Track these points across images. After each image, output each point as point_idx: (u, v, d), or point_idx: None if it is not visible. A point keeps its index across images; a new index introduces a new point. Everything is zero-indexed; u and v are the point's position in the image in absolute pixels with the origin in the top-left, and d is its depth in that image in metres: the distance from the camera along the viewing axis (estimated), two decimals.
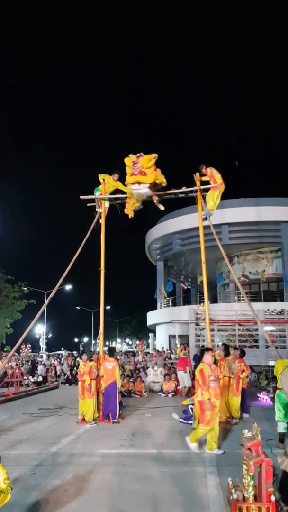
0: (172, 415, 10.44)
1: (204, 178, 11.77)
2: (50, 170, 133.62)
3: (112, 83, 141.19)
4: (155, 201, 11.70)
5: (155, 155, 10.48)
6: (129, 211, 11.67)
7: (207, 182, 11.73)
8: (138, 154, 10.54)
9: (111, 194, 12.09)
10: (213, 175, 11.63)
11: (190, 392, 13.13)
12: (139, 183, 10.41)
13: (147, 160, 10.32)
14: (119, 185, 11.88)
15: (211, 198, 11.70)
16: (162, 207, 12.11)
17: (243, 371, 10.17)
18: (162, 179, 11.20)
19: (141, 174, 10.33)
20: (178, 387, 14.74)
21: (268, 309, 19.23)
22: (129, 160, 10.57)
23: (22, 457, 7.00)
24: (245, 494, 3.37)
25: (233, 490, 3.38)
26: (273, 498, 3.31)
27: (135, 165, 10.36)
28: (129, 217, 11.72)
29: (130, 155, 10.72)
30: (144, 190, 10.58)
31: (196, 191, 11.85)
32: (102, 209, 12.00)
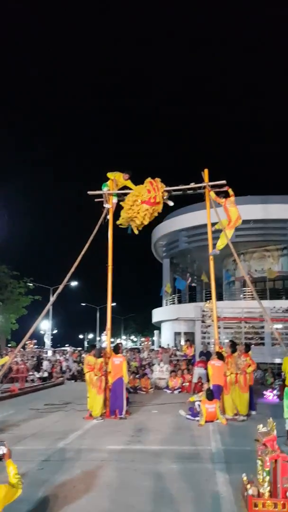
0: (178, 411, 10.41)
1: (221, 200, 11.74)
2: (58, 164, 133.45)
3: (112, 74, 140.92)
4: (163, 197, 11.67)
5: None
6: (134, 228, 11.85)
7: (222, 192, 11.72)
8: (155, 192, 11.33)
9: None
10: (228, 211, 11.60)
11: (197, 388, 13.10)
12: None
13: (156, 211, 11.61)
14: (129, 184, 11.87)
15: (223, 238, 11.71)
16: (171, 203, 12.07)
17: (250, 365, 10.11)
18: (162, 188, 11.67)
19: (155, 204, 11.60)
20: (184, 384, 14.73)
21: (274, 307, 19.12)
22: (144, 189, 11.49)
23: (29, 453, 6.97)
24: (261, 490, 3.32)
25: (248, 486, 3.33)
26: None
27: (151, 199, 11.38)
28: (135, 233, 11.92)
29: (146, 182, 11.55)
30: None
31: (204, 187, 11.80)
32: (110, 204, 11.97)
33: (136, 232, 12.02)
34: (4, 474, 3.72)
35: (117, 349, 10.72)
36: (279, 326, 17.46)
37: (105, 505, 4.77)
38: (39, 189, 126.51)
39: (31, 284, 31.75)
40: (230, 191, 11.59)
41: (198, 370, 13.86)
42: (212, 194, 11.66)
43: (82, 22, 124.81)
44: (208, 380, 10.55)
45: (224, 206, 11.57)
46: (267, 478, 3.33)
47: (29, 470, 5.98)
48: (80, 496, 4.99)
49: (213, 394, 9.52)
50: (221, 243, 11.68)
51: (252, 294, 13.74)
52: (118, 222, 11.95)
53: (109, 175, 12.00)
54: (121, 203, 11.92)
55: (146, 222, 11.69)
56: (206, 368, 12.84)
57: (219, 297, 31.38)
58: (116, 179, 11.89)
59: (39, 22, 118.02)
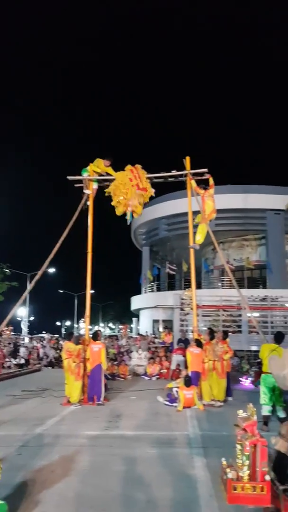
0: (156, 397, 10.47)
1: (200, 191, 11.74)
2: (38, 148, 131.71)
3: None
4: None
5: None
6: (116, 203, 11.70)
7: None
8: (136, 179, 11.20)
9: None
10: (204, 205, 11.59)
11: (174, 375, 13.21)
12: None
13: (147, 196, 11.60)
14: (110, 170, 11.76)
15: (201, 231, 11.71)
16: (152, 190, 11.99)
17: (227, 352, 10.22)
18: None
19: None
20: (162, 371, 14.83)
21: (251, 296, 19.37)
22: (126, 177, 11.40)
23: (6, 438, 6.94)
24: (240, 474, 3.37)
25: (228, 470, 3.37)
26: (267, 477, 3.32)
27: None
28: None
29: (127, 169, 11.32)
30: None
31: (186, 175, 11.78)
32: (90, 190, 11.85)
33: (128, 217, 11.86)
34: None
35: (96, 336, 10.70)
36: (256, 314, 17.68)
37: (83, 489, 4.77)
38: (18, 174, 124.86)
39: (7, 270, 31.33)
40: (211, 180, 11.60)
41: (176, 357, 13.96)
42: (193, 183, 11.65)
43: None
44: (186, 367, 10.64)
45: (202, 198, 11.58)
46: (247, 462, 3.38)
47: (7, 455, 5.94)
48: (58, 480, 4.99)
49: (191, 381, 9.62)
50: (200, 237, 11.72)
51: (230, 283, 13.86)
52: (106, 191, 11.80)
53: (90, 166, 11.86)
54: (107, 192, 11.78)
55: (138, 210, 11.57)
56: (184, 355, 12.95)
57: (198, 286, 31.58)
58: (97, 164, 11.77)
59: None
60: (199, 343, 10.44)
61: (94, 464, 5.61)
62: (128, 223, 12.08)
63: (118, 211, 11.57)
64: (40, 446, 6.50)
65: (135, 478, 5.12)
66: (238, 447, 3.48)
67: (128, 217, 11.67)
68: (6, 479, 4.85)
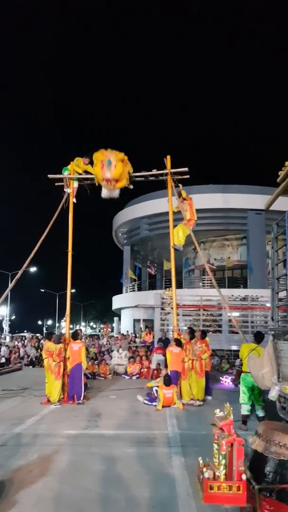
0: (136, 396, 10.48)
1: (178, 206, 11.82)
2: (19, 147, 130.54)
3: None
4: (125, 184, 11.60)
5: (124, 156, 11.01)
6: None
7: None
8: (108, 154, 10.84)
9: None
10: (192, 207, 11.66)
11: (155, 374, 13.24)
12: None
13: (119, 170, 10.88)
14: (89, 168, 11.71)
15: (181, 231, 11.79)
16: (131, 186, 11.94)
17: (205, 352, 10.27)
18: (129, 169, 11.38)
19: (114, 182, 11.04)
20: (142, 370, 14.85)
21: (232, 295, 19.50)
22: (98, 160, 10.96)
23: None
24: (217, 473, 3.40)
25: (204, 469, 3.40)
26: (244, 477, 3.35)
27: (107, 172, 10.83)
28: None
29: (101, 151, 10.84)
30: (115, 193, 11.32)
31: (166, 174, 11.81)
32: (71, 189, 11.81)
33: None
34: None
35: (76, 335, 10.67)
36: (236, 314, 17.83)
37: (61, 488, 4.76)
38: None
39: None
40: (183, 193, 11.75)
41: (156, 357, 14.00)
42: (183, 192, 11.77)
43: None
44: (166, 366, 10.67)
45: (191, 205, 11.69)
46: (223, 461, 3.41)
47: None
48: (36, 480, 4.97)
49: (170, 380, 9.65)
50: (182, 236, 11.81)
51: (211, 282, 13.97)
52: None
53: (71, 165, 11.81)
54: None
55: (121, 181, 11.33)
56: (164, 355, 12.98)
57: (179, 285, 31.72)
58: (77, 163, 11.74)
59: None
60: (178, 343, 10.48)
61: (73, 464, 5.60)
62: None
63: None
64: (18, 445, 6.46)
65: (114, 478, 5.13)
66: (215, 446, 3.51)
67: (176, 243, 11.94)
68: None
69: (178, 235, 11.87)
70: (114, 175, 10.84)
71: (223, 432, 3.53)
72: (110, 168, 10.73)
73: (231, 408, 3.71)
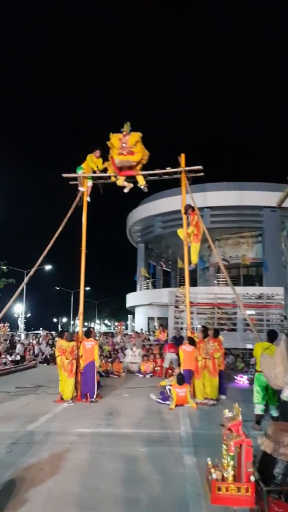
0: (149, 395, 10.46)
1: (181, 230, 11.71)
2: (31, 147, 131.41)
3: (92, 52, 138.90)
4: (139, 185, 11.57)
5: (140, 134, 10.87)
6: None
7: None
8: (123, 132, 10.65)
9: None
10: (199, 223, 11.50)
11: (168, 373, 13.20)
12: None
13: (134, 139, 10.71)
14: (100, 163, 11.73)
15: (195, 251, 11.67)
16: (145, 189, 11.96)
17: (218, 351, 10.17)
18: (145, 155, 11.29)
19: (130, 154, 10.87)
20: (156, 368, 14.83)
21: (247, 293, 19.31)
22: (115, 139, 10.78)
23: None
24: (225, 474, 3.36)
25: (212, 470, 3.36)
26: (252, 478, 3.30)
27: (123, 144, 10.71)
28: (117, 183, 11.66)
29: (114, 134, 10.84)
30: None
31: (180, 172, 11.74)
32: (85, 188, 11.83)
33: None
34: None
35: (88, 333, 10.69)
36: (252, 312, 17.67)
37: (72, 487, 4.76)
38: (16, 172, 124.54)
39: (4, 267, 31.34)
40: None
41: (169, 356, 13.96)
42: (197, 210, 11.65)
43: None
44: (179, 365, 10.62)
45: (197, 222, 11.52)
46: (231, 462, 3.37)
47: None
48: (47, 478, 4.98)
49: (183, 379, 9.61)
50: (194, 258, 11.73)
51: (226, 280, 13.85)
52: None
53: (85, 163, 11.83)
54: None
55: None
56: (177, 353, 12.92)
57: (194, 283, 31.62)
58: (90, 159, 11.76)
59: None
60: (192, 341, 10.43)
61: (84, 462, 5.60)
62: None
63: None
64: (30, 443, 6.49)
65: (125, 477, 5.11)
66: (224, 447, 3.47)
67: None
68: None
69: (193, 257, 11.76)
70: (130, 142, 10.82)
71: (232, 433, 3.48)
72: (126, 138, 10.82)
73: (240, 408, 3.66)
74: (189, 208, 11.58)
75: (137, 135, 10.84)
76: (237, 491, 3.27)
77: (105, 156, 11.61)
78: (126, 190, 11.69)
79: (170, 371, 13.14)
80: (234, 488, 3.27)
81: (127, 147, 10.81)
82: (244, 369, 15.43)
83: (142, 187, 11.62)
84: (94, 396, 9.98)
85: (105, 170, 11.76)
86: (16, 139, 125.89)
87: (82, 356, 10.29)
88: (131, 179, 11.57)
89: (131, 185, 11.65)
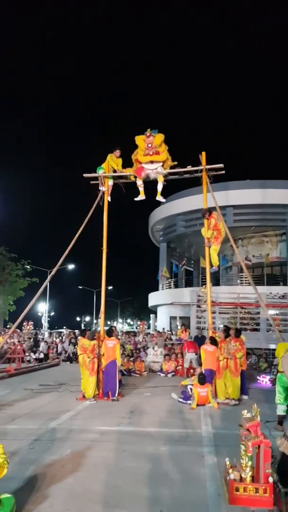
0: (171, 394, 10.48)
1: (204, 229, 11.64)
2: (54, 146, 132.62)
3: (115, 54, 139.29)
4: (158, 186, 11.64)
5: (163, 135, 11.14)
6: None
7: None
8: (147, 134, 10.90)
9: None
10: (217, 225, 11.40)
11: (190, 372, 13.19)
12: (153, 162, 11.27)
13: (159, 140, 11.07)
14: (120, 164, 11.87)
15: (215, 253, 11.62)
16: (162, 199, 12.11)
17: (239, 351, 10.10)
18: (169, 158, 11.50)
19: (156, 154, 11.18)
20: (177, 367, 14.83)
21: (270, 293, 19.14)
22: (140, 140, 11.18)
23: (20, 432, 7.03)
24: (243, 475, 3.35)
25: (230, 470, 3.35)
26: (270, 479, 3.28)
27: (149, 145, 11.06)
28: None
29: (139, 136, 11.05)
30: (159, 169, 11.34)
31: (201, 170, 11.71)
32: (106, 187, 11.91)
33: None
34: None
35: (110, 332, 10.76)
36: (275, 312, 17.52)
37: (92, 485, 4.81)
38: (38, 172, 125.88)
39: (28, 267, 31.82)
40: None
41: (189, 356, 13.95)
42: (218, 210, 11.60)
43: None
44: (200, 365, 10.60)
45: (215, 224, 11.43)
46: (249, 463, 3.36)
47: (19, 449, 6.05)
48: (68, 475, 5.04)
49: (205, 378, 9.59)
50: (215, 259, 11.68)
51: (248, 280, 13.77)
52: None
53: (106, 163, 11.93)
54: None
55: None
56: (196, 353, 12.90)
57: (216, 282, 31.50)
58: (110, 158, 11.85)
59: None
60: (213, 341, 10.39)
61: (104, 460, 5.64)
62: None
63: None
64: (52, 440, 6.58)
65: (145, 476, 5.13)
66: (242, 447, 3.46)
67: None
68: (16, 473, 4.96)
69: (214, 259, 11.69)
70: (155, 142, 11.10)
71: (250, 434, 3.47)
72: (150, 138, 11.08)
73: (258, 409, 3.64)
74: (206, 212, 11.51)
75: (161, 136, 11.13)
76: (255, 492, 3.26)
77: (125, 156, 11.75)
78: (137, 199, 11.78)
79: (192, 370, 13.15)
80: (252, 489, 3.26)
81: (153, 147, 11.08)
82: (267, 369, 15.29)
83: (159, 198, 11.79)
84: (116, 395, 10.04)
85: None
86: (46, 139, 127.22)
87: (104, 354, 10.36)
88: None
89: (144, 197, 11.75)
